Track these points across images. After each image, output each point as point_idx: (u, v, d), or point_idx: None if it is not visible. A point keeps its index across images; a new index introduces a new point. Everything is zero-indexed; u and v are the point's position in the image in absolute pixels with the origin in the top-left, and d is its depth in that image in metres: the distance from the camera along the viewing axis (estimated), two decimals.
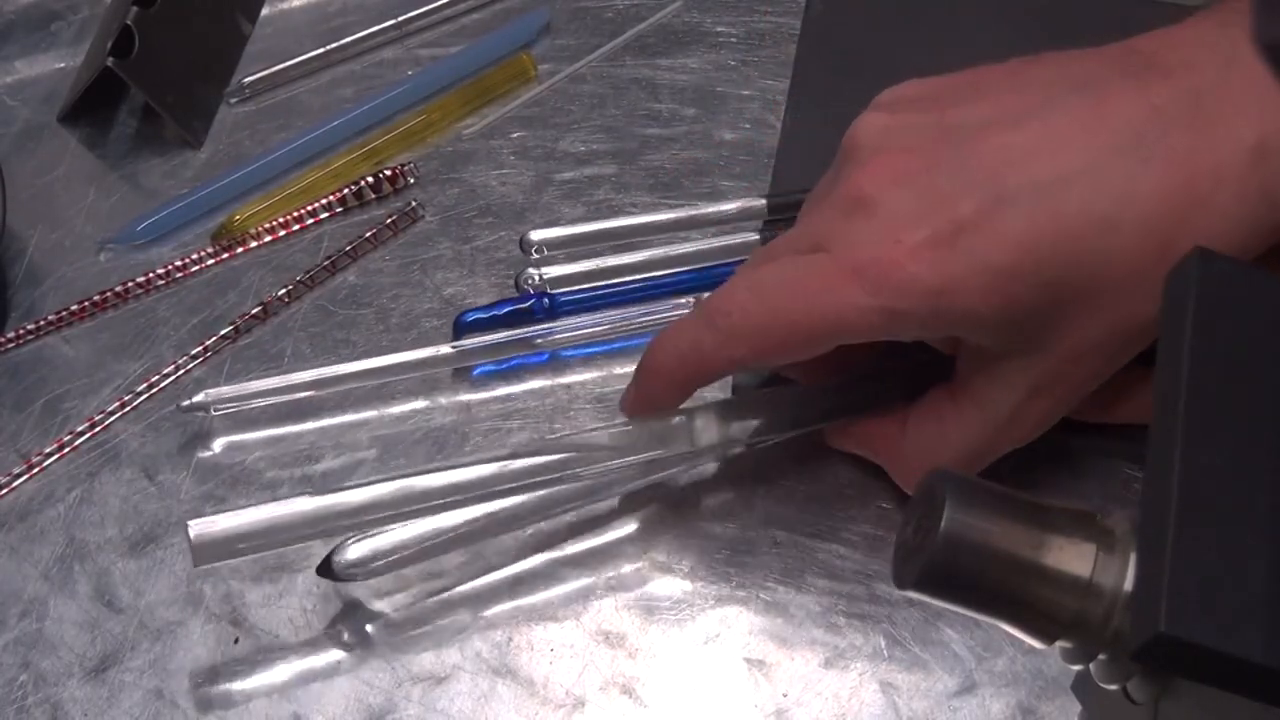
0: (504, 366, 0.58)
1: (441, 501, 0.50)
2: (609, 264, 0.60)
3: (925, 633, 0.51)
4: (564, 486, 0.52)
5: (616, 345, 0.58)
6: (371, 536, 0.51)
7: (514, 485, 0.51)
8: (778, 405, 0.53)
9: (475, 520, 0.52)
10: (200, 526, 0.49)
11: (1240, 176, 0.44)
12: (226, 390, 0.57)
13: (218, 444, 0.57)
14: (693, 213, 0.60)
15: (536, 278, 0.59)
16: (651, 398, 0.51)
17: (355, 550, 0.51)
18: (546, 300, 0.58)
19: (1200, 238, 0.44)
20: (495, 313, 0.58)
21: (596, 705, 0.51)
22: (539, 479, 0.51)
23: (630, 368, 0.52)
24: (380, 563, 0.51)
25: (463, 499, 0.51)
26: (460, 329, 0.58)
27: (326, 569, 0.51)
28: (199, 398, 0.56)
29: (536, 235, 0.60)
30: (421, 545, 0.51)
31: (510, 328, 0.58)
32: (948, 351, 0.50)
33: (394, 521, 0.51)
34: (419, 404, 0.57)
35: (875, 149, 0.48)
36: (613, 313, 0.58)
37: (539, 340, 0.57)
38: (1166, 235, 0.45)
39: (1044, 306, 0.46)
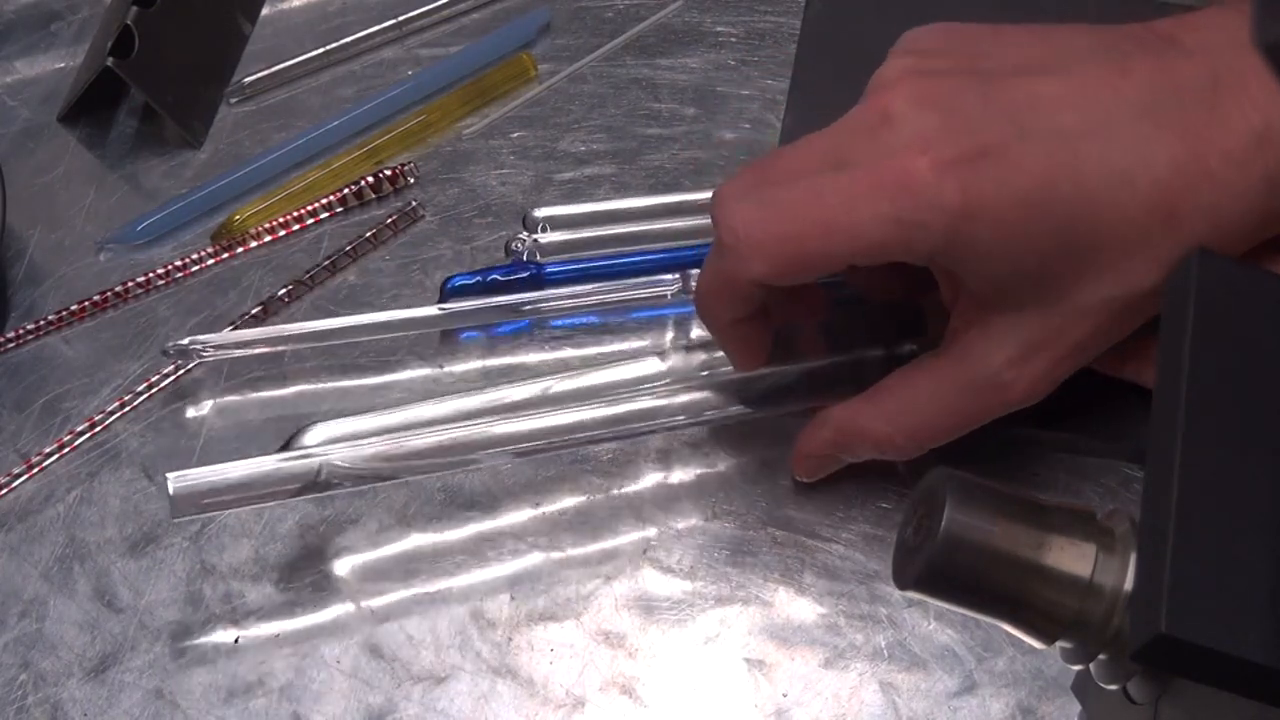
0: (492, 333, 0.59)
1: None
2: (599, 234, 0.60)
3: (925, 633, 0.51)
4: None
5: (603, 318, 0.59)
6: (331, 422, 0.53)
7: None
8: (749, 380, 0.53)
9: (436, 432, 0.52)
10: (178, 480, 0.49)
11: (1247, 159, 0.45)
12: (214, 336, 0.57)
13: (217, 444, 0.57)
14: (701, 196, 0.60)
15: (527, 240, 0.60)
16: (722, 344, 0.52)
17: (314, 435, 0.52)
18: (534, 269, 0.59)
19: (1205, 212, 0.45)
20: (483, 278, 0.59)
21: (596, 705, 0.51)
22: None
23: (615, 346, 0.55)
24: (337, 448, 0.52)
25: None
26: (447, 293, 0.59)
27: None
28: (184, 341, 0.56)
29: (540, 212, 0.61)
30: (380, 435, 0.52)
31: (499, 294, 0.58)
32: (946, 303, 0.50)
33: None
34: (417, 402, 0.57)
35: (902, 76, 0.48)
36: (600, 284, 0.58)
37: (525, 308, 0.58)
38: (1175, 203, 0.45)
39: (1053, 252, 0.46)
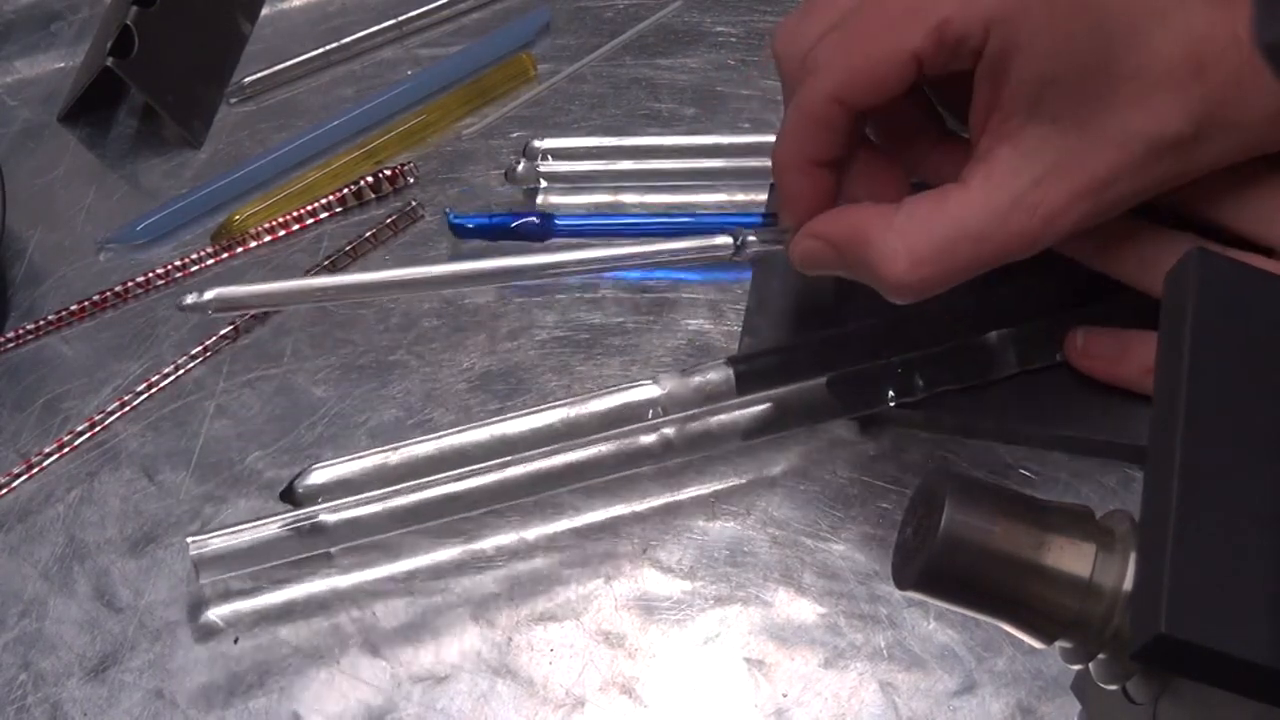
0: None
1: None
2: (603, 168, 0.62)
3: (925, 633, 0.51)
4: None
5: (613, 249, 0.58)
6: (335, 464, 0.53)
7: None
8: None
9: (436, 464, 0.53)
10: (198, 546, 0.52)
11: None
12: (236, 290, 0.53)
13: (217, 444, 0.57)
14: (709, 140, 0.62)
15: (525, 167, 0.61)
16: (787, 189, 0.51)
17: (318, 476, 0.53)
18: (543, 219, 0.60)
19: (1231, 74, 0.46)
20: (490, 222, 0.60)
21: (596, 705, 0.51)
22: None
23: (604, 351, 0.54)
24: (341, 491, 0.53)
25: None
26: (455, 231, 0.60)
27: (289, 495, 0.53)
28: (209, 295, 0.51)
29: (540, 144, 0.62)
30: (383, 475, 0.53)
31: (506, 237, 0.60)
32: (977, 123, 0.49)
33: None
34: (417, 402, 0.57)
35: None
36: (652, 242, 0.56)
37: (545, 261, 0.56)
38: (1204, 53, 0.46)
39: (1092, 62, 0.46)
